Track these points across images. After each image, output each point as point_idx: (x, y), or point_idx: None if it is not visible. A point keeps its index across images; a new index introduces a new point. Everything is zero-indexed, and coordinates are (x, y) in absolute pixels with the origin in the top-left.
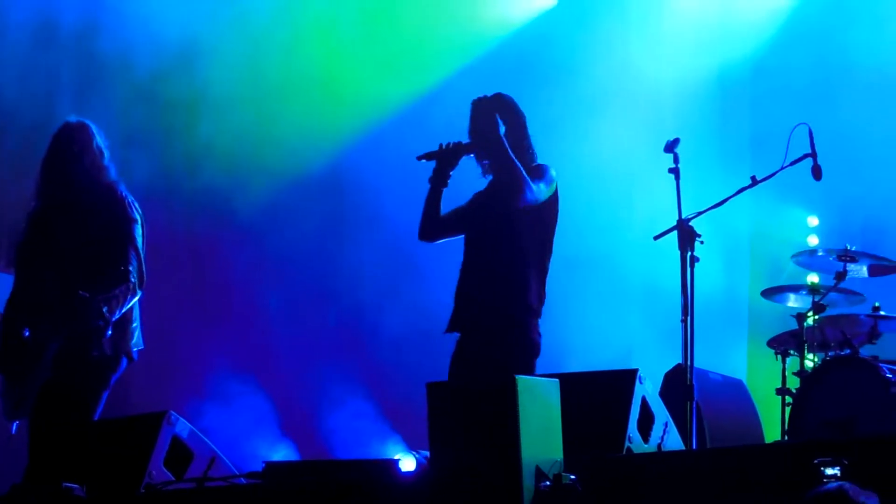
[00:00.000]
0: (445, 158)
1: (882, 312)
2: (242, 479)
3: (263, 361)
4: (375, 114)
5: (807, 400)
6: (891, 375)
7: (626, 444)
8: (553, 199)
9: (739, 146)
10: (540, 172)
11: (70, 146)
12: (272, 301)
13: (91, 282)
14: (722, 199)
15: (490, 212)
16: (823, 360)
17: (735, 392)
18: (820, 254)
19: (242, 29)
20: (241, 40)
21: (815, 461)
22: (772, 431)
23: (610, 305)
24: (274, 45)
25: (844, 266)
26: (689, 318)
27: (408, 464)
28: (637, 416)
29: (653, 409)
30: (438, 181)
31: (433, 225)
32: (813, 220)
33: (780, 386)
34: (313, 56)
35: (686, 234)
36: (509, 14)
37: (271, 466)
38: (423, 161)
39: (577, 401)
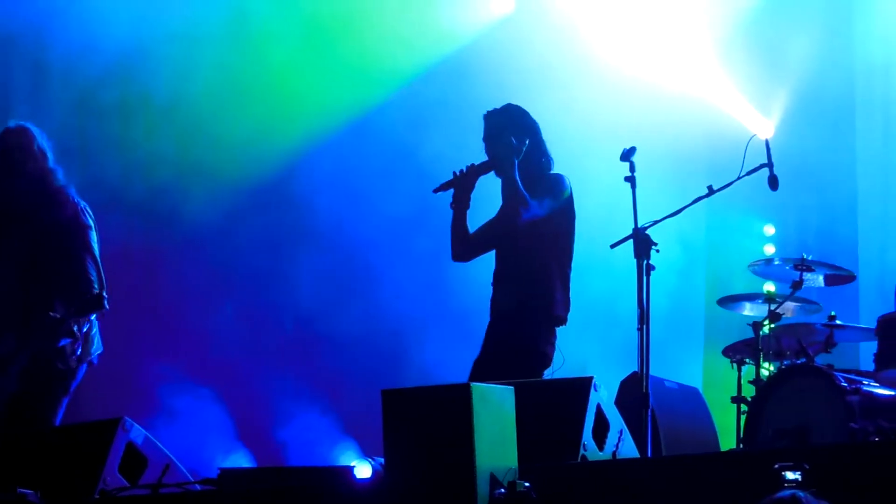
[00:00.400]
0: (462, 184)
1: (838, 322)
2: (197, 485)
3: (219, 368)
4: (329, 121)
5: (762, 408)
6: (846, 384)
7: (581, 451)
8: (566, 209)
9: (696, 155)
10: (548, 185)
11: (11, 154)
12: (228, 308)
13: (55, 297)
14: (678, 208)
15: (510, 225)
16: (779, 369)
17: (690, 400)
18: (776, 263)
19: (192, 34)
20: (191, 46)
21: (776, 465)
22: (727, 439)
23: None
24: (226, 52)
25: (801, 275)
26: (644, 326)
27: (363, 471)
28: (592, 424)
29: (608, 417)
30: (460, 206)
31: (464, 246)
32: (769, 230)
33: (735, 394)
34: (266, 62)
35: (642, 243)
36: (467, 21)
37: (226, 473)
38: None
39: (533, 408)
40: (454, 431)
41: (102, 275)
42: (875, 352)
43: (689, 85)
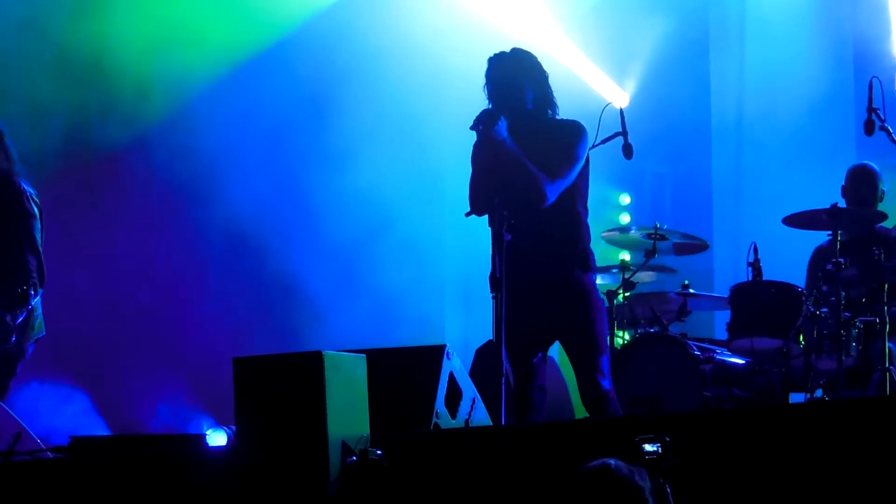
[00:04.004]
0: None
1: (691, 290)
2: (49, 453)
3: (72, 334)
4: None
5: (616, 376)
6: (699, 353)
7: (434, 419)
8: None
9: None
10: (570, 145)
11: None
12: (82, 278)
13: None
14: None
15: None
16: (633, 337)
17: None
18: (631, 232)
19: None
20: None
21: (637, 438)
22: (582, 408)
23: (424, 280)
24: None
25: (654, 244)
26: (500, 293)
27: (218, 438)
28: (445, 392)
29: (460, 385)
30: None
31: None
32: (625, 199)
33: None
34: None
35: (496, 212)
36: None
37: (77, 441)
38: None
39: (386, 376)
40: (306, 399)
41: (42, 264)
42: (728, 321)
43: (544, 51)
